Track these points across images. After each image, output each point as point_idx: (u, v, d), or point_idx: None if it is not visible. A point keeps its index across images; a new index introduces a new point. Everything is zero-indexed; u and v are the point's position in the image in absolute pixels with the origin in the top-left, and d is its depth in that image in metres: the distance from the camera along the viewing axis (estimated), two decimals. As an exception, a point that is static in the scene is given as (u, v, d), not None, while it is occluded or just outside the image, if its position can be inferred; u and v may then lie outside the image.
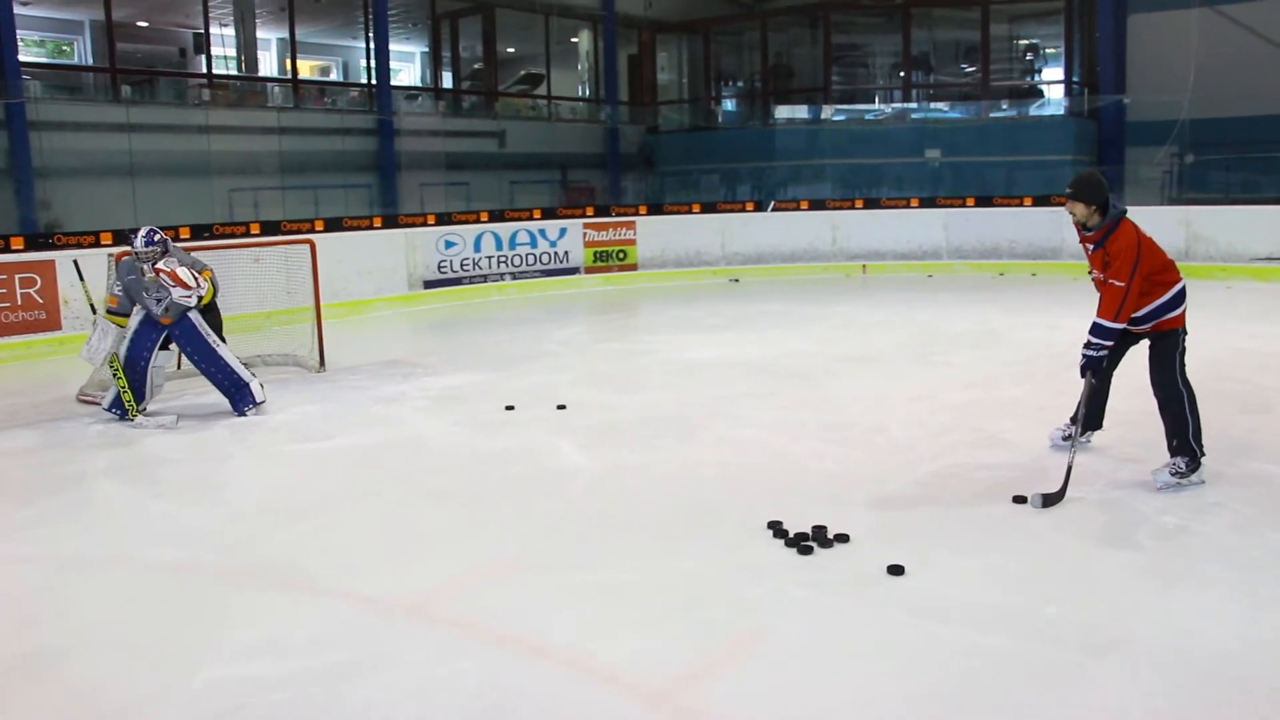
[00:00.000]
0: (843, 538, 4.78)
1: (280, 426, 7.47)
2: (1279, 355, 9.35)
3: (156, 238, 7.53)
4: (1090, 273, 5.76)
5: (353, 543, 5.05)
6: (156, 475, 6.40)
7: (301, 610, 4.25)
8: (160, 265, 7.41)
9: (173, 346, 7.89)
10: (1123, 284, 5.39)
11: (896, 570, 4.42)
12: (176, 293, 7.41)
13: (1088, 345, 5.57)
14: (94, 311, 8.24)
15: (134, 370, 7.62)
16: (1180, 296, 5.57)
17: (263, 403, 7.82)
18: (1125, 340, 5.76)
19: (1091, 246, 5.65)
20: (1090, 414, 6.02)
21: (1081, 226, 5.62)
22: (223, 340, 7.92)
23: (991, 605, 4.11)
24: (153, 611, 4.31)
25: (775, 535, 4.85)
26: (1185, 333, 5.62)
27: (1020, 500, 5.33)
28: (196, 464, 6.62)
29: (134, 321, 7.68)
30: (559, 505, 5.51)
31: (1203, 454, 5.52)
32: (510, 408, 7.71)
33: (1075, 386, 8.07)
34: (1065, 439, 6.07)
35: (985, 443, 6.50)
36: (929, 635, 3.87)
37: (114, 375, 7.65)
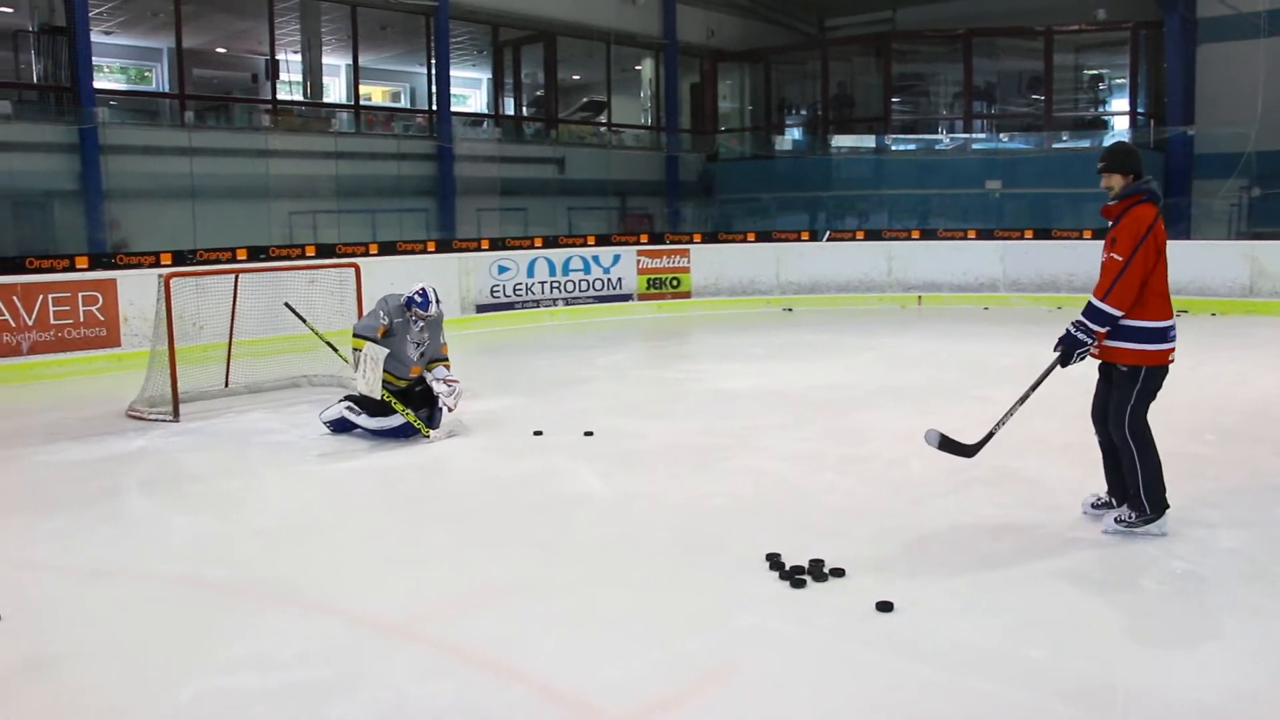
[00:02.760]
0: (838, 572, 4.78)
1: (312, 446, 7.65)
2: (1329, 396, 9.11)
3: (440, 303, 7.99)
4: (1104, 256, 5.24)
5: (354, 561, 5.18)
6: (184, 491, 6.59)
7: (294, 626, 4.37)
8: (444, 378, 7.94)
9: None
10: (1121, 258, 4.99)
11: (885, 607, 4.41)
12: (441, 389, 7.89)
13: (1074, 324, 5.14)
14: (335, 350, 8.45)
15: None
16: (1161, 334, 5.12)
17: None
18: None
19: (1111, 222, 5.24)
20: (1116, 479, 5.52)
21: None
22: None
23: (976, 647, 4.07)
24: (152, 622, 4.46)
25: (771, 568, 4.87)
26: (1155, 376, 5.17)
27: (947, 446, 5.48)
28: (225, 480, 6.80)
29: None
30: (563, 532, 5.58)
31: (1165, 507, 5.24)
32: (538, 433, 7.81)
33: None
34: (1095, 507, 5.61)
35: (1002, 480, 6.43)
36: (906, 675, 3.86)
37: (402, 413, 7.70)
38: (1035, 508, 5.83)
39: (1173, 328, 5.20)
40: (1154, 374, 5.19)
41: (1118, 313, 5.06)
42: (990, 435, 5.43)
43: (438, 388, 7.84)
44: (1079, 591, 4.68)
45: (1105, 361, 5.33)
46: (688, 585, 4.77)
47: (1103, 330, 5.10)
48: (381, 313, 7.75)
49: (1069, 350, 5.18)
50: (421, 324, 7.89)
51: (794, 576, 4.72)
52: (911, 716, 3.57)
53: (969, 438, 7.60)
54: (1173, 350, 5.19)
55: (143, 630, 4.39)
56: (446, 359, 8.10)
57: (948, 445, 5.36)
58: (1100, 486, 5.69)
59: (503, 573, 5.00)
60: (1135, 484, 5.23)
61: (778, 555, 4.95)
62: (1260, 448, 7.22)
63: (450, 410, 7.88)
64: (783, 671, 3.88)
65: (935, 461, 6.86)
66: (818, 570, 4.78)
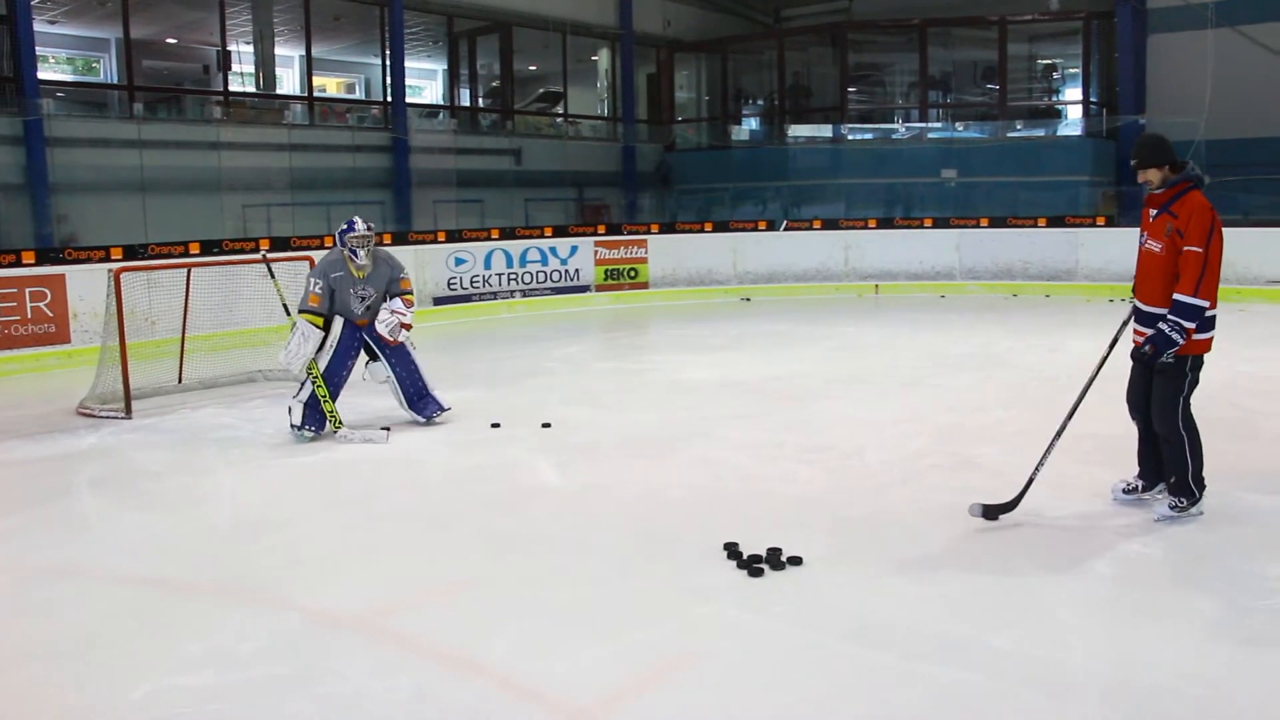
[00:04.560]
0: (795, 560, 4.80)
1: (266, 441, 7.57)
2: (1277, 380, 9.24)
3: (371, 226, 7.71)
4: (1144, 243, 5.29)
5: (313, 557, 5.14)
6: (139, 488, 6.49)
7: (252, 622, 4.32)
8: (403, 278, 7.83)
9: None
10: (1200, 249, 4.94)
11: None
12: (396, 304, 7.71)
13: (1165, 322, 5.03)
14: (288, 314, 8.28)
15: (333, 382, 7.62)
16: (1211, 321, 5.16)
17: (449, 409, 8.00)
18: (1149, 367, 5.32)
19: (1155, 211, 5.22)
20: (1154, 467, 5.57)
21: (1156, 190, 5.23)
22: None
23: (936, 633, 4.10)
24: (106, 622, 4.39)
25: (729, 557, 4.88)
26: (1200, 365, 5.23)
27: (994, 514, 5.30)
28: (179, 477, 6.72)
29: (335, 331, 7.65)
30: (521, 524, 5.56)
31: (1204, 487, 5.35)
32: (496, 425, 7.78)
33: (1061, 412, 8.05)
34: (1126, 492, 5.68)
35: (960, 467, 6.48)
36: (865, 662, 3.88)
37: (314, 384, 7.50)
38: (992, 495, 5.84)
39: (1215, 317, 5.20)
40: (1200, 362, 5.23)
41: (1206, 305, 5.04)
42: (1030, 481, 5.35)
43: (381, 314, 7.66)
44: (1035, 577, 4.72)
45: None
46: (646, 575, 4.77)
47: (1193, 326, 5.04)
48: (313, 280, 7.55)
49: (1162, 349, 5.08)
50: (364, 259, 7.56)
51: (752, 565, 4.74)
52: (871, 704, 3.58)
53: (926, 427, 7.68)
54: (1212, 339, 5.22)
55: (97, 630, 4.32)
56: (407, 293, 7.86)
57: (993, 512, 5.25)
58: (1123, 473, 5.80)
59: (461, 565, 4.98)
60: (1184, 471, 5.26)
61: (735, 544, 4.96)
62: (1213, 431, 7.22)
63: (389, 340, 7.67)
64: (741, 660, 3.89)
65: (893, 450, 6.94)
66: (775, 559, 4.79)
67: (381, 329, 7.64)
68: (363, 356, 7.89)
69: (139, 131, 15.42)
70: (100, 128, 15.57)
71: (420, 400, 7.92)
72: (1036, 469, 5.44)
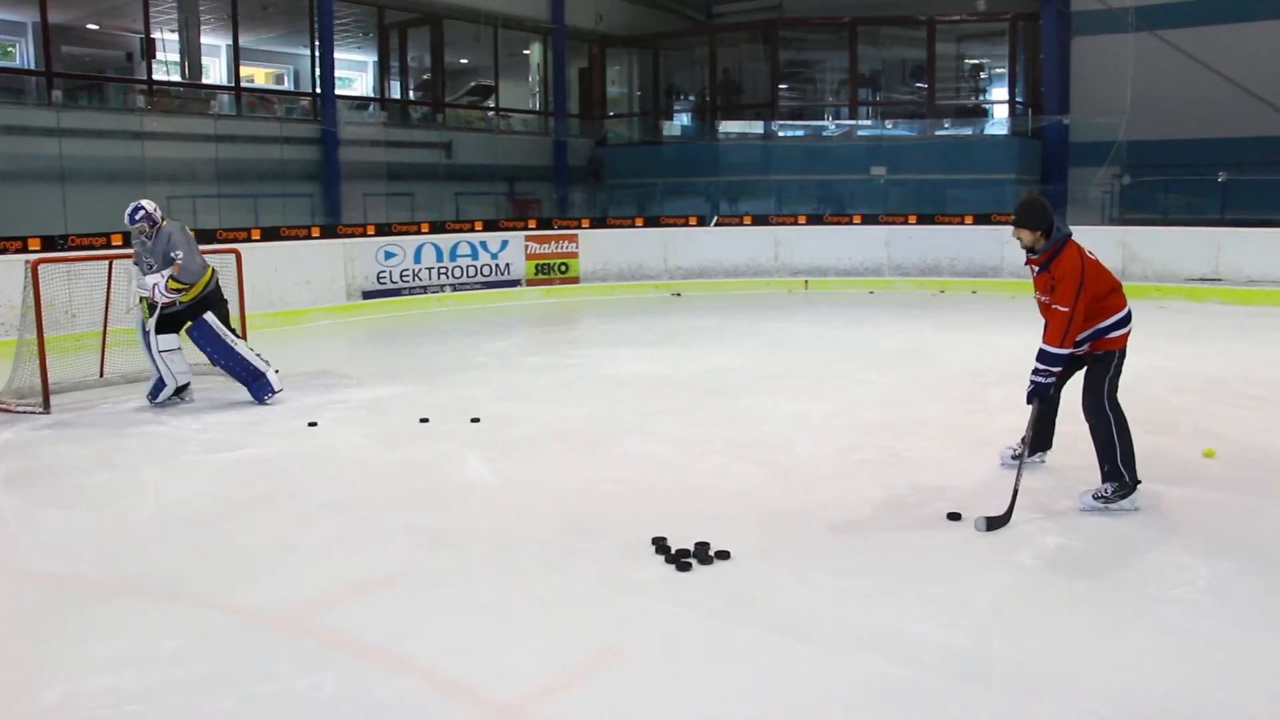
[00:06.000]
0: (723, 555, 4.82)
1: (192, 437, 7.43)
2: (1195, 375, 9.45)
3: (139, 215, 8.15)
4: (1036, 295, 5.79)
5: (236, 553, 5.06)
6: (58, 485, 6.35)
7: (173, 621, 4.24)
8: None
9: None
10: (1067, 309, 5.41)
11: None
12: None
13: (1035, 372, 5.60)
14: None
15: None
16: (1124, 320, 5.59)
17: (280, 390, 8.49)
18: (1075, 360, 5.74)
19: (1037, 269, 5.69)
20: (1039, 433, 6.02)
21: (1029, 250, 5.66)
22: (232, 331, 8.50)
23: (858, 626, 4.15)
24: (21, 623, 4.28)
25: (658, 552, 4.89)
26: (1123, 356, 5.63)
27: (954, 517, 5.38)
28: (100, 473, 6.59)
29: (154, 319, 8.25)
30: (450, 520, 5.52)
31: (1137, 480, 5.54)
32: (425, 420, 7.72)
33: (987, 407, 8.23)
34: (1014, 458, 6.06)
35: (889, 461, 6.56)
36: (791, 655, 3.91)
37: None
38: (920, 489, 5.95)
39: (1129, 313, 5.64)
40: (1123, 354, 5.64)
41: (1068, 352, 5.54)
42: (1015, 493, 5.47)
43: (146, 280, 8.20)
44: (960, 569, 4.79)
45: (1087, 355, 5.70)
46: (574, 570, 4.77)
47: (1058, 368, 5.57)
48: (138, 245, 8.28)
49: (1037, 394, 5.66)
50: (144, 238, 8.14)
51: (680, 560, 4.75)
52: (797, 696, 3.62)
53: (856, 422, 7.77)
54: (1129, 332, 5.64)
55: (10, 630, 4.21)
56: (172, 276, 8.15)
57: (995, 523, 5.31)
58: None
59: (388, 562, 4.93)
60: (1114, 454, 5.52)
61: (664, 539, 4.97)
62: (1131, 425, 7.46)
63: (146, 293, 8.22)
64: (670, 654, 3.91)
65: (823, 444, 7.00)
66: (703, 553, 4.81)
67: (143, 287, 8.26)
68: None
69: (58, 119, 15.03)
70: (17, 114, 15.14)
71: (254, 382, 8.42)
72: (1018, 478, 5.55)
